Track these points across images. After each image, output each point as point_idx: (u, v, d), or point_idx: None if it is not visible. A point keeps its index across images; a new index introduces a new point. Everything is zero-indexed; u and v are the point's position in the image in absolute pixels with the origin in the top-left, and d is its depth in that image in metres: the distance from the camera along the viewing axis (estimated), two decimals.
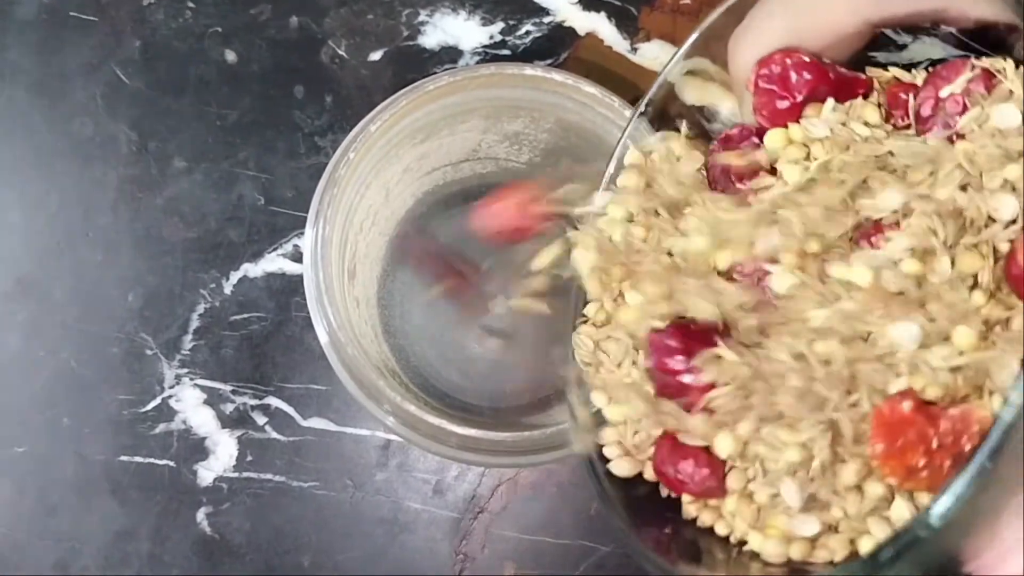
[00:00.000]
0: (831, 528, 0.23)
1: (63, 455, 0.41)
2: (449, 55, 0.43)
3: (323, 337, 0.32)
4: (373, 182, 0.35)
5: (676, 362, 0.24)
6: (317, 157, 0.42)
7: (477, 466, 0.40)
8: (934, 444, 0.21)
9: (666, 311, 0.25)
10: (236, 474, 0.40)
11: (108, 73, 0.42)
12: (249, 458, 0.41)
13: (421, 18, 0.42)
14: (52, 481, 0.41)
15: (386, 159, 0.35)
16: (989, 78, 0.23)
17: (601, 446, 0.26)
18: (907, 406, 0.21)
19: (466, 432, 0.32)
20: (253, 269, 0.41)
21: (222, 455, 0.41)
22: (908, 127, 0.25)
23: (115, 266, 0.42)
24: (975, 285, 0.22)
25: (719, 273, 0.25)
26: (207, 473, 0.41)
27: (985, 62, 0.23)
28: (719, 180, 0.27)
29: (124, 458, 0.41)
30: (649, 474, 0.26)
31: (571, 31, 0.42)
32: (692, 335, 0.24)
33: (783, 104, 0.25)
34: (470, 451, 0.32)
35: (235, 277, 0.41)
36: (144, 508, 0.41)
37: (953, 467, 0.21)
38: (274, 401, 0.41)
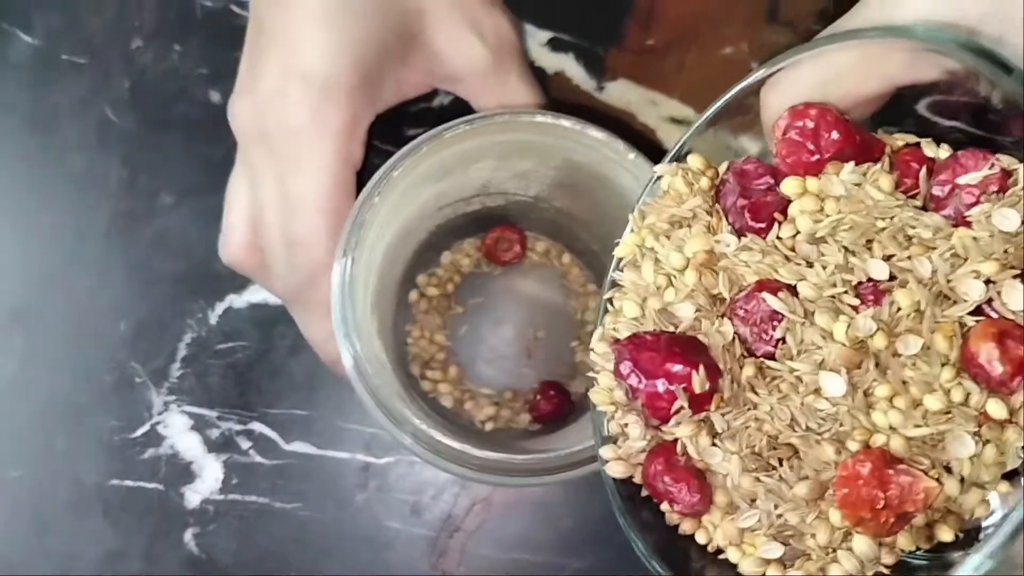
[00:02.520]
0: (805, 555, 0.26)
1: (57, 478, 0.43)
2: (425, 95, 0.44)
3: (348, 366, 0.34)
4: (393, 222, 0.37)
5: (625, 368, 0.26)
6: None
7: (494, 486, 0.41)
8: (879, 504, 0.23)
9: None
10: (222, 496, 0.42)
11: (99, 112, 0.44)
12: (234, 481, 0.42)
13: None
14: (46, 503, 0.43)
15: (404, 200, 0.37)
16: (1005, 177, 0.24)
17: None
18: (865, 468, 0.23)
19: (485, 455, 0.33)
20: (238, 300, 0.43)
21: (208, 478, 0.42)
22: (916, 194, 0.26)
23: (106, 296, 0.44)
24: (947, 362, 0.24)
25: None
26: (194, 496, 0.42)
27: (1004, 160, 0.24)
28: (731, 211, 0.27)
29: (115, 481, 0.42)
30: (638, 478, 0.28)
31: (541, 71, 0.44)
32: (651, 345, 0.26)
33: (810, 158, 0.26)
34: (489, 472, 0.34)
35: (221, 308, 0.43)
36: (135, 529, 0.42)
37: (896, 524, 0.23)
38: (258, 426, 0.43)
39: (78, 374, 0.43)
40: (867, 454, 0.24)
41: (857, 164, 0.26)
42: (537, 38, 0.44)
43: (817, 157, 0.26)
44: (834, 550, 0.25)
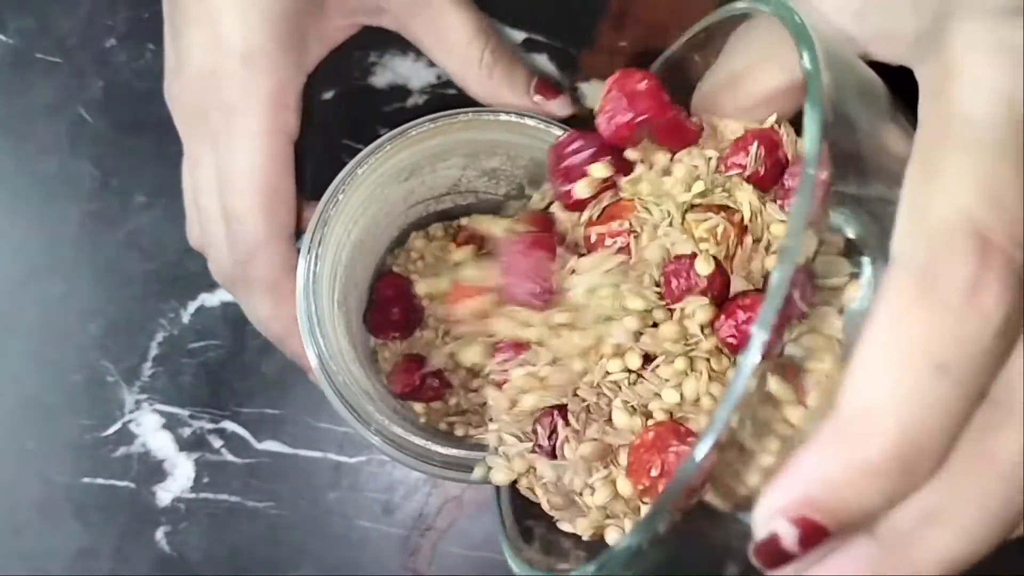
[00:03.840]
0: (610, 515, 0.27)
1: (28, 478, 0.43)
2: (399, 94, 0.45)
3: (314, 363, 0.34)
4: (360, 219, 0.37)
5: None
6: None
7: (456, 482, 0.41)
8: (656, 471, 0.24)
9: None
10: (193, 495, 0.42)
11: (72, 112, 0.44)
12: (206, 479, 0.42)
13: (371, 59, 0.45)
14: (18, 503, 0.43)
15: (371, 198, 0.37)
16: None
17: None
18: (650, 436, 0.24)
19: (448, 452, 0.34)
20: (210, 299, 0.43)
21: (180, 477, 0.42)
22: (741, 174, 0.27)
23: (78, 297, 0.44)
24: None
25: None
26: (165, 494, 0.42)
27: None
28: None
29: (86, 480, 0.42)
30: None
31: None
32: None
33: (623, 118, 0.28)
34: (452, 468, 0.34)
35: (193, 307, 0.43)
36: (106, 528, 0.42)
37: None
38: (230, 425, 0.43)
39: (49, 373, 0.43)
40: (659, 425, 0.24)
41: (662, 143, 0.28)
42: (511, 38, 0.44)
43: (631, 116, 0.28)
44: (624, 516, 0.26)
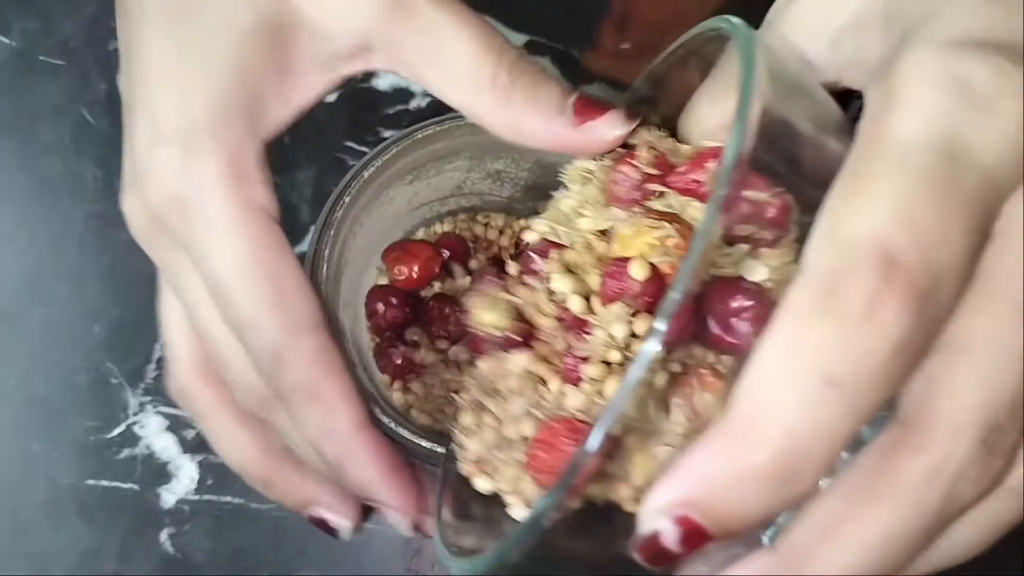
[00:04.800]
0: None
1: (33, 479, 0.43)
2: (401, 97, 0.45)
3: None
4: (366, 222, 0.37)
5: None
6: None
7: None
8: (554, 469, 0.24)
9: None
10: (197, 497, 0.42)
11: (75, 114, 0.45)
12: (209, 481, 0.42)
13: None
14: (22, 503, 0.43)
15: (377, 200, 0.37)
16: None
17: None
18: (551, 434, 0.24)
19: None
20: None
21: (184, 478, 0.42)
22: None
23: (82, 298, 0.44)
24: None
25: None
26: (169, 496, 0.42)
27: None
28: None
29: (91, 482, 0.43)
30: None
31: None
32: None
33: None
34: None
35: None
36: (110, 529, 0.42)
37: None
38: None
39: (54, 375, 0.43)
40: (558, 422, 0.24)
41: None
42: (513, 41, 0.44)
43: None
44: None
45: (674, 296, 0.19)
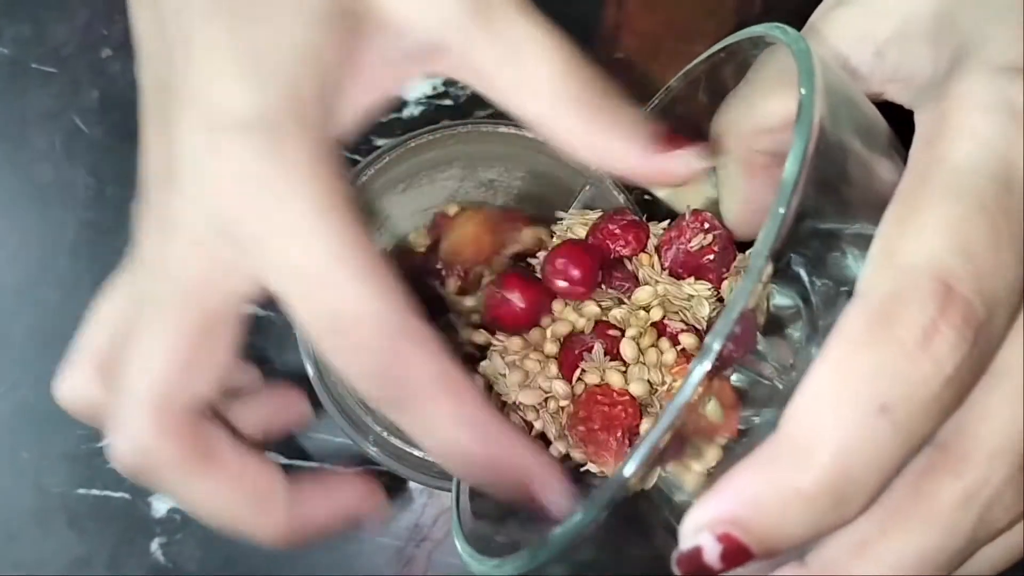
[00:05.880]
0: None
1: (23, 487, 0.43)
2: (394, 104, 0.45)
3: (312, 374, 0.34)
4: None
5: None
6: None
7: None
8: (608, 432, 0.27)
9: None
10: None
11: (67, 121, 0.44)
12: None
13: None
14: (12, 512, 0.42)
15: (369, 209, 0.37)
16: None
17: None
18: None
19: None
20: None
21: None
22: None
23: (74, 306, 0.43)
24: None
25: None
26: (161, 505, 0.42)
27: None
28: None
29: (81, 490, 0.42)
30: None
31: None
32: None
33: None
34: (448, 479, 0.34)
35: None
36: (100, 538, 0.42)
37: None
38: None
39: (45, 383, 0.43)
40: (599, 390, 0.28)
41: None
42: None
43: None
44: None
45: (732, 312, 0.19)
